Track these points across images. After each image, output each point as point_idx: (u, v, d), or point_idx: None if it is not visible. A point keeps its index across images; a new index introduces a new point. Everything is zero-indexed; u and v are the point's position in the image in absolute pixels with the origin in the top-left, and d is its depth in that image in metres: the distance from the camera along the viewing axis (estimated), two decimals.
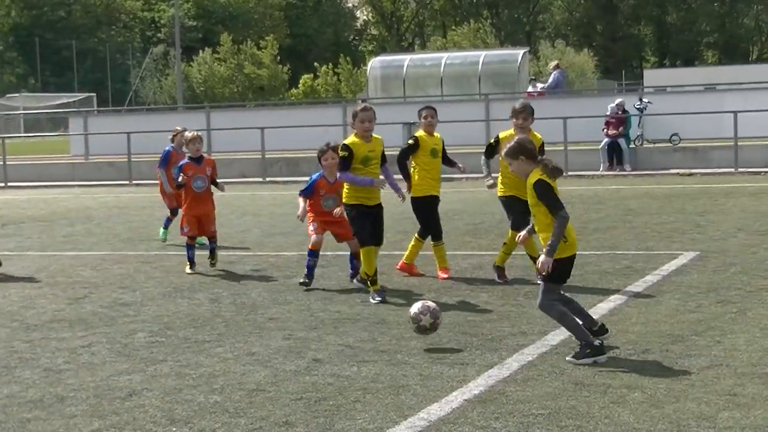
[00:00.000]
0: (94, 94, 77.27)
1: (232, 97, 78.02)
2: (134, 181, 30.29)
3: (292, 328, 9.26)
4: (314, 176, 11.47)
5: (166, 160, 15.76)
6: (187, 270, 12.76)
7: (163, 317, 10.01)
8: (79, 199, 25.71)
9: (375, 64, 47.45)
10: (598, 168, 27.85)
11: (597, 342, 7.69)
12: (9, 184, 31.36)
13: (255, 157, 30.75)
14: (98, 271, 13.17)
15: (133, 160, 30.92)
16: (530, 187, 7.83)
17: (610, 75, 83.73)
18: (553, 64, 36.28)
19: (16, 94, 77.06)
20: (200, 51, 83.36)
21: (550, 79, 34.29)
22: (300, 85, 79.41)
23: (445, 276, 11.61)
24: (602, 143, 28.17)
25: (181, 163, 13.32)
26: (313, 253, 11.32)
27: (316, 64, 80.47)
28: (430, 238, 11.76)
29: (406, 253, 11.92)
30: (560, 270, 7.78)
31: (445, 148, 11.87)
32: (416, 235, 11.83)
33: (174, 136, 15.86)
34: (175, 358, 8.27)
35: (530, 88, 35.78)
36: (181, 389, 7.30)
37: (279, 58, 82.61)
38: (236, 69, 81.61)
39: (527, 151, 7.90)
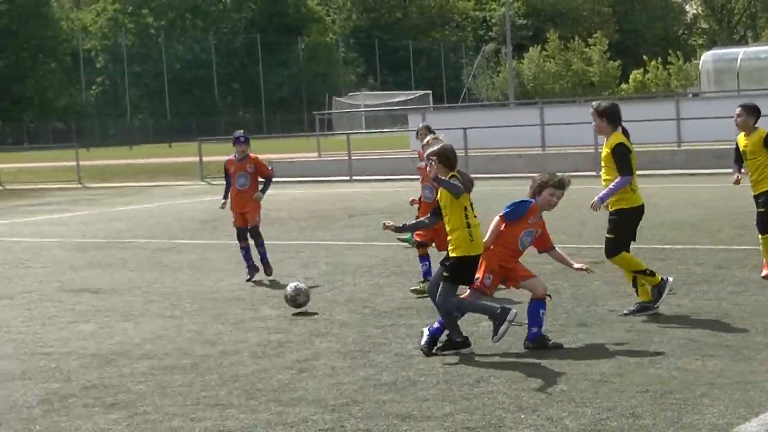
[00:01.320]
0: (429, 92, 79.56)
1: (562, 92, 78.06)
2: (472, 175, 30.92)
3: (633, 320, 9.28)
4: (527, 202, 8.76)
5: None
6: None
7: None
8: None
9: (707, 57, 46.35)
10: None
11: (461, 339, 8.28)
12: (354, 177, 32.86)
13: (587, 152, 30.63)
14: None
15: (469, 155, 31.57)
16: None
17: None
18: None
19: (357, 93, 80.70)
20: (530, 48, 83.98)
21: None
22: (630, 80, 78.33)
23: None
24: None
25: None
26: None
27: (645, 58, 79.03)
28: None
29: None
30: (458, 269, 8.13)
31: None
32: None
33: (418, 132, 14.96)
34: (518, 346, 8.47)
35: None
36: (526, 378, 7.50)
37: (609, 54, 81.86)
38: (564, 65, 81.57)
39: (445, 160, 8.27)
